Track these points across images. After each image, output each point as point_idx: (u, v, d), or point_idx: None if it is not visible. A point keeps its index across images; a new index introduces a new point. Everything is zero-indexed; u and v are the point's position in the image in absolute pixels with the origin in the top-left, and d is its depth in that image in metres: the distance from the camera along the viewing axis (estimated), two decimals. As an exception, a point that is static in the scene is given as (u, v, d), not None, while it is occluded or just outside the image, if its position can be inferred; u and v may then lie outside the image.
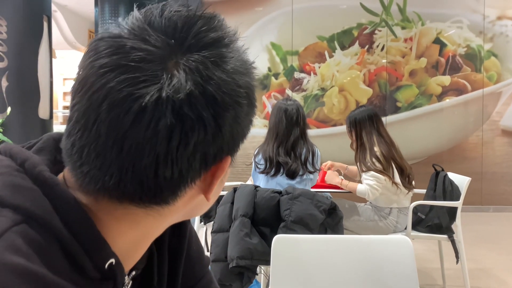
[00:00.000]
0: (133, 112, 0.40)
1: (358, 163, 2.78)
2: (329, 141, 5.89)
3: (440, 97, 5.97)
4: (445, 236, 2.73)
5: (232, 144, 0.47)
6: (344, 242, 1.26)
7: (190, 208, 0.50)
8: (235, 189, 2.20)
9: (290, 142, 2.27)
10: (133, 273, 0.53)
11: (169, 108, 0.41)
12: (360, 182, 2.82)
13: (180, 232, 0.62)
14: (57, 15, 7.48)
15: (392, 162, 2.70)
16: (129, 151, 0.41)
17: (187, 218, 0.53)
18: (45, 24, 4.38)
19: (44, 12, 4.37)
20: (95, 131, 0.41)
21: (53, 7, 5.40)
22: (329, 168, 3.02)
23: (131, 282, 0.52)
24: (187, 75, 0.42)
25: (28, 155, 0.46)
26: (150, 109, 0.41)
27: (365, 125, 2.77)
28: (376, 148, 2.70)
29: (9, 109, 3.82)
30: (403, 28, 6.03)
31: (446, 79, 5.95)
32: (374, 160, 2.67)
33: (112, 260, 0.45)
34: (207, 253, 0.73)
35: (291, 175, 2.25)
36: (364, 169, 2.70)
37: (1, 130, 3.68)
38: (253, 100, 0.49)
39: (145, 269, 0.56)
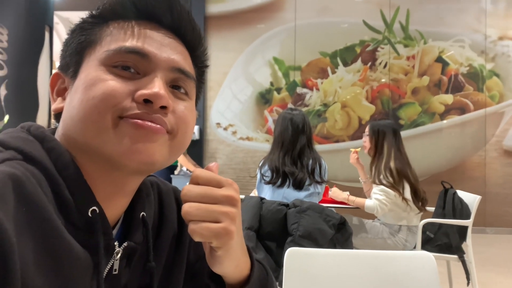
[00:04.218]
0: None
1: (372, 171, 2.73)
2: (331, 157, 5.80)
3: (443, 116, 5.93)
4: (455, 256, 2.63)
5: None
6: (362, 257, 1.17)
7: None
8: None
9: (296, 150, 2.19)
10: (125, 244, 0.56)
11: None
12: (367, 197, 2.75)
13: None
14: (59, 28, 7.46)
15: (405, 180, 2.64)
16: None
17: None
18: (47, 34, 4.34)
19: (46, 22, 4.33)
20: None
21: (55, 19, 5.38)
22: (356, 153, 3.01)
23: (121, 251, 0.55)
24: None
25: (33, 124, 0.55)
26: None
27: (389, 137, 2.74)
28: (392, 163, 2.65)
29: (6, 118, 3.74)
30: (405, 46, 6.02)
31: (448, 98, 5.92)
32: (387, 172, 2.61)
33: (95, 208, 0.51)
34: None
35: (298, 185, 2.15)
36: (376, 181, 2.64)
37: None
38: None
39: (143, 248, 0.60)
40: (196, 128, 6.15)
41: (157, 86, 0.52)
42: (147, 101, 0.52)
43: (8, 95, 3.83)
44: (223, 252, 0.54)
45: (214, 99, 6.23)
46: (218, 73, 6.21)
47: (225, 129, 6.21)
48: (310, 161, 2.20)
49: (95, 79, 0.52)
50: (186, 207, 0.51)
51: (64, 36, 0.61)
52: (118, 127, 0.51)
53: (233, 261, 0.56)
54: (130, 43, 0.54)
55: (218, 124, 6.22)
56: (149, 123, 0.52)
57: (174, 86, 0.57)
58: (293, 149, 2.18)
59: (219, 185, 0.53)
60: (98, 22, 0.57)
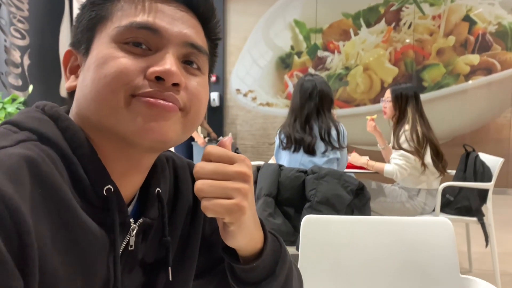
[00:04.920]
0: None
1: (395, 135, 2.71)
2: (352, 122, 5.76)
3: (468, 77, 5.77)
4: (475, 218, 2.63)
5: None
6: (378, 223, 1.18)
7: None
8: (258, 168, 2.14)
9: (303, 116, 2.20)
10: (141, 220, 0.57)
11: None
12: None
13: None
14: (78, -6, 7.45)
15: (429, 144, 2.62)
16: None
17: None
18: (67, 2, 4.34)
19: (65, -10, 4.32)
20: None
21: (74, -15, 5.35)
22: (372, 120, 2.99)
23: (136, 228, 0.56)
24: None
25: (48, 103, 0.56)
26: None
27: (412, 102, 2.71)
28: (418, 127, 2.63)
29: (31, 87, 3.82)
30: (431, 5, 5.81)
31: (474, 58, 5.73)
32: (414, 137, 2.59)
33: (110, 187, 0.52)
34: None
35: (309, 150, 2.17)
36: (396, 146, 2.63)
37: (24, 108, 3.69)
38: None
39: (158, 224, 0.61)
40: (216, 95, 6.16)
41: (168, 63, 0.51)
42: (159, 78, 0.51)
43: (32, 65, 3.89)
44: (236, 227, 0.55)
45: (234, 64, 6.19)
46: (237, 38, 6.14)
47: (245, 95, 6.20)
48: (323, 127, 2.20)
49: (107, 56, 0.51)
50: (199, 184, 0.52)
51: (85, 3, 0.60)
52: (130, 106, 0.51)
53: (246, 235, 0.57)
54: (141, 18, 0.53)
55: (238, 90, 6.20)
56: (162, 101, 0.51)
57: (186, 62, 0.56)
58: (301, 115, 2.20)
59: (231, 161, 0.54)
60: None
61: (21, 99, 3.77)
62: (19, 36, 3.87)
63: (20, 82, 3.87)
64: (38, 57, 3.91)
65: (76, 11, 4.75)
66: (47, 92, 3.92)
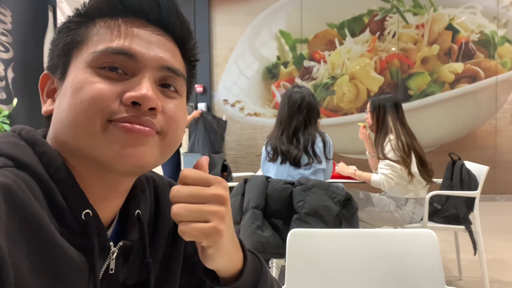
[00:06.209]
0: None
1: (377, 147, 2.72)
2: (340, 131, 5.80)
3: (453, 85, 5.84)
4: (462, 227, 2.65)
5: None
6: (364, 236, 1.18)
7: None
8: (245, 180, 2.13)
9: (291, 128, 2.20)
10: (121, 243, 0.56)
11: None
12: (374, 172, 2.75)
13: None
14: (63, 6, 7.40)
15: (413, 153, 2.64)
16: None
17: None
18: (50, 14, 4.32)
19: (49, 2, 4.31)
20: None
21: (59, -2, 5.33)
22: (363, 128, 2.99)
23: (117, 251, 0.56)
24: None
25: (25, 127, 0.55)
26: None
27: (391, 111, 2.71)
28: (402, 137, 2.64)
29: (15, 101, 3.77)
30: (414, 14, 5.89)
31: (459, 66, 5.82)
32: (400, 145, 2.60)
33: (89, 211, 0.51)
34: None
35: (294, 162, 2.17)
36: (381, 156, 2.64)
37: (8, 121, 3.64)
38: None
39: (139, 246, 0.60)
40: (203, 105, 6.15)
41: (144, 88, 0.51)
42: (135, 103, 0.51)
43: (16, 78, 3.86)
44: (214, 250, 0.54)
45: (221, 75, 6.20)
46: (224, 49, 6.16)
47: (233, 105, 6.20)
48: (307, 140, 2.20)
49: (83, 82, 0.51)
50: (176, 208, 0.51)
51: (69, 14, 0.60)
52: (107, 131, 0.50)
53: (224, 257, 0.57)
54: (117, 43, 0.53)
55: (225, 100, 6.21)
56: (138, 126, 0.51)
57: (163, 85, 0.56)
58: (289, 127, 2.21)
59: (207, 183, 0.53)
60: (84, 21, 0.55)
61: (6, 112, 3.73)
62: (2, 49, 3.84)
63: (4, 95, 3.82)
64: (22, 70, 3.87)
65: (60, 23, 4.76)
66: (32, 105, 3.88)
